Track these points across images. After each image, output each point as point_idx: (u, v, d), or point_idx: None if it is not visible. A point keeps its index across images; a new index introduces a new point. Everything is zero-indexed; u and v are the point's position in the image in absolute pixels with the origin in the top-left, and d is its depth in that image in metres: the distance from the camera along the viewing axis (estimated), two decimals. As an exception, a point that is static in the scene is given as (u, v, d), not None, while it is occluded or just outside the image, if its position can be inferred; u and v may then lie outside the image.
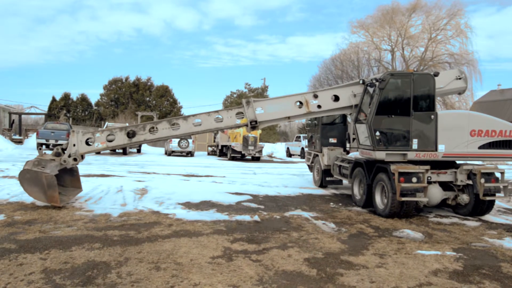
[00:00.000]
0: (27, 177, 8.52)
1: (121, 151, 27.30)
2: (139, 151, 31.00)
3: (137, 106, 62.33)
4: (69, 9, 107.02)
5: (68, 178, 9.57)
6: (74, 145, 9.03)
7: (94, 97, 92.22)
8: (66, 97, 62.45)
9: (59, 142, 27.23)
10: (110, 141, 9.35)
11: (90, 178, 13.33)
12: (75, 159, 9.01)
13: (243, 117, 9.59)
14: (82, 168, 16.30)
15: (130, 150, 28.86)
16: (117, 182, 12.59)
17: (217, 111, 9.71)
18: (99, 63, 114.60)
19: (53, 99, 60.85)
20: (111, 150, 27.32)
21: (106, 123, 32.83)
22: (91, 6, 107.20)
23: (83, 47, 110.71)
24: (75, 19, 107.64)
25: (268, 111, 9.71)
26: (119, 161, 21.40)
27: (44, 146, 9.01)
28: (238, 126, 10.05)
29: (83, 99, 64.46)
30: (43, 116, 52.29)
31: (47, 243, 5.92)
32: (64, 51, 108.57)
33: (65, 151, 9.06)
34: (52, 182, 8.36)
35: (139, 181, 13.13)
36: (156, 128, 9.41)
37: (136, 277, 4.72)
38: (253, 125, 9.50)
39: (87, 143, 9.21)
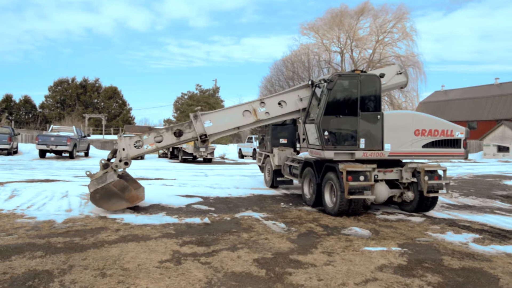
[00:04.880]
0: (99, 196, 8.57)
1: (67, 155, 26.32)
2: (87, 154, 30.03)
3: (85, 108, 60.65)
4: (14, 6, 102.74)
5: None
6: (123, 149, 9.18)
7: (38, 99, 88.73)
8: (8, 99, 59.88)
9: (1, 146, 26.02)
10: (159, 141, 9.53)
11: (33, 183, 12.77)
12: (126, 163, 9.15)
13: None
14: (24, 174, 15.64)
15: (78, 153, 27.88)
16: (63, 187, 12.12)
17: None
18: (45, 63, 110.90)
19: (-6, 101, 58.17)
20: (56, 154, 26.43)
21: (51, 126, 31.57)
22: (38, 4, 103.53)
23: (29, 46, 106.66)
24: (21, 17, 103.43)
25: (217, 123, 9.77)
26: (65, 165, 20.64)
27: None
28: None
29: (27, 101, 62.04)
30: (-17, 119, 49.79)
31: (-16, 253, 5.61)
32: (8, 51, 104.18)
33: (111, 160, 9.26)
34: (123, 185, 8.64)
35: (86, 185, 12.64)
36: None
37: (81, 285, 4.55)
38: (203, 139, 9.54)
39: (135, 146, 9.36)
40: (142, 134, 9.77)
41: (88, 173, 9.34)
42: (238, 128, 10.10)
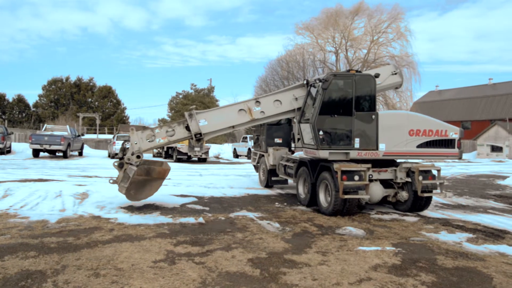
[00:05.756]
0: (134, 192, 9.00)
1: (61, 154, 26.19)
2: (81, 154, 29.91)
3: (79, 107, 60.40)
4: (9, 5, 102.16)
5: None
6: (136, 143, 9.25)
7: (32, 98, 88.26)
8: (1, 98, 59.51)
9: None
10: (171, 135, 9.61)
11: (26, 183, 12.70)
12: (138, 156, 9.18)
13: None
14: (18, 173, 15.55)
15: (71, 153, 27.74)
16: (56, 186, 12.06)
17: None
18: (40, 62, 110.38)
19: (-14, 101, 57.81)
20: (50, 154, 26.29)
21: (45, 125, 31.40)
22: (33, 2, 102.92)
23: (24, 45, 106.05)
24: (16, 16, 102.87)
25: (212, 122, 9.75)
26: (59, 165, 20.55)
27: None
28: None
29: (20, 100, 61.72)
30: (-24, 118, 49.45)
31: (-24, 253, 5.56)
32: (2, 50, 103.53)
33: (124, 157, 9.31)
34: (145, 169, 9.00)
35: (80, 185, 12.65)
36: None
37: (74, 285, 4.52)
38: (198, 137, 9.52)
39: (148, 140, 9.47)
40: (154, 128, 9.82)
41: (111, 180, 9.33)
42: (233, 127, 10.08)
